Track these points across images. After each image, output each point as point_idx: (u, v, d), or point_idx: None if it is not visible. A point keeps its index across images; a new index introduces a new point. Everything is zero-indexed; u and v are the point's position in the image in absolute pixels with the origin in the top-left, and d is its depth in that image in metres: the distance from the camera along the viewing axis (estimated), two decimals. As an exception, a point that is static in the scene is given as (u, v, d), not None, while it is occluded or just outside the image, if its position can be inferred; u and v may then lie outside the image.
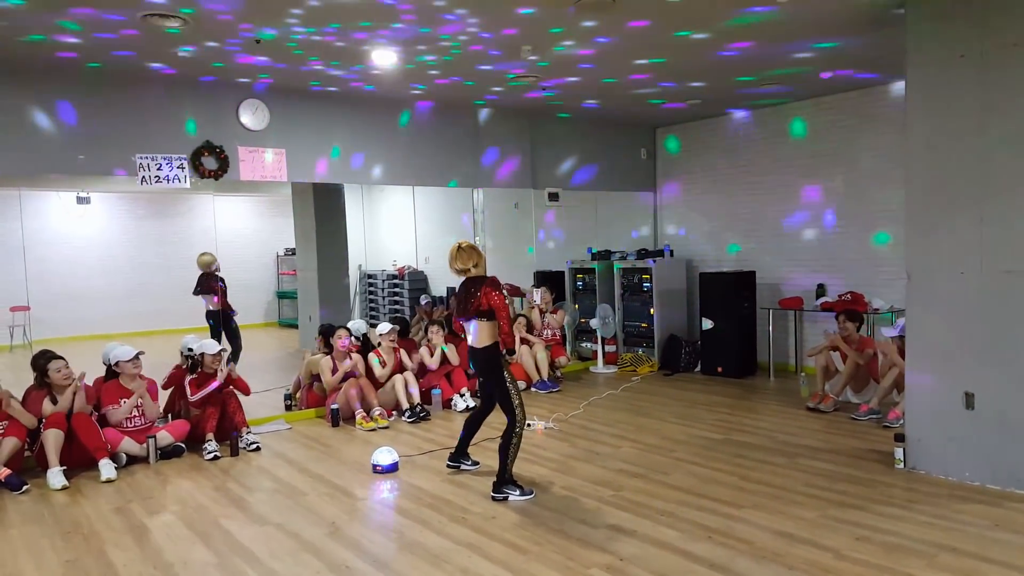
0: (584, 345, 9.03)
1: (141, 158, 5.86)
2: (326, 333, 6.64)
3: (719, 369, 7.87)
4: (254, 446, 5.48)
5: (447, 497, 4.32)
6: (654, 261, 8.38)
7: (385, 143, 7.22)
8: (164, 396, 5.84)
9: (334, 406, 6.18)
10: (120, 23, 4.57)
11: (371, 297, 13.26)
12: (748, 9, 4.69)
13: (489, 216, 8.05)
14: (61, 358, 5.09)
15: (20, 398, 5.04)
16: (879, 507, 3.93)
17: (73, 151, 5.62)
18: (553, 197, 8.54)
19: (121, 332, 11.36)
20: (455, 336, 6.97)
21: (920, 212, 4.48)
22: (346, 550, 3.63)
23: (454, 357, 6.82)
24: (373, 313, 12.97)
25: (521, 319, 7.60)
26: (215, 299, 8.05)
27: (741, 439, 5.39)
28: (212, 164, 6.15)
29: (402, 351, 6.72)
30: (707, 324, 7.95)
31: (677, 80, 6.64)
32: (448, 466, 4.80)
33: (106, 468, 4.83)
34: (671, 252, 8.78)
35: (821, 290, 7.60)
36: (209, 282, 8.13)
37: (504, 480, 4.25)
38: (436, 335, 6.89)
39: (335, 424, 6.14)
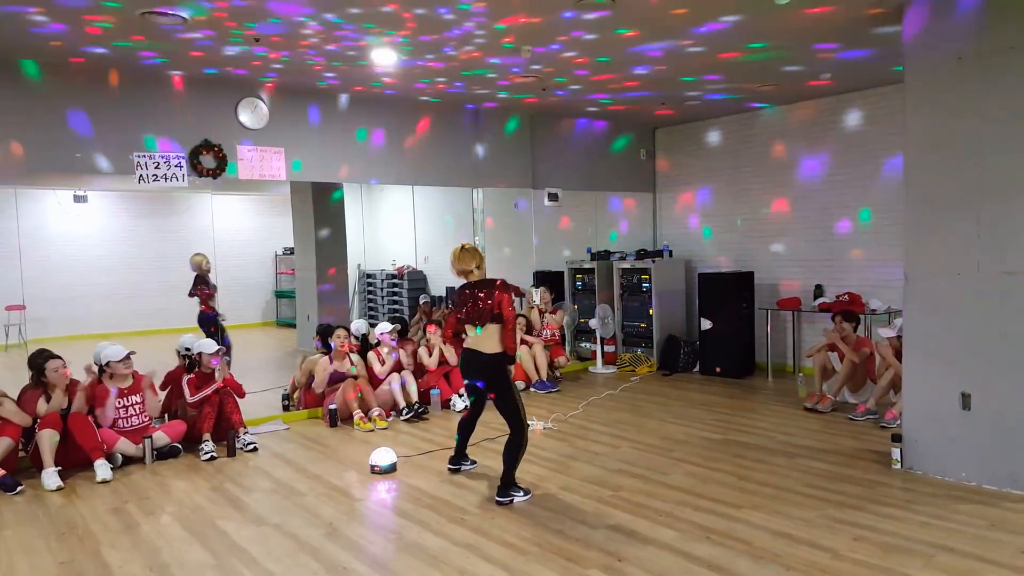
0: (583, 345, 9.03)
1: (139, 156, 5.84)
2: (324, 333, 6.62)
3: (718, 369, 7.87)
4: (251, 446, 5.46)
5: (445, 498, 4.31)
6: (653, 261, 8.38)
7: (385, 142, 7.21)
8: (161, 396, 5.82)
9: (332, 406, 6.16)
10: (119, 19, 4.55)
11: (370, 297, 13.25)
12: (748, 13, 4.70)
13: (488, 216, 8.04)
14: (59, 357, 5.07)
15: (15, 398, 5.02)
16: (877, 507, 3.93)
17: (70, 148, 5.60)
18: (553, 197, 8.54)
19: (118, 332, 11.33)
20: (458, 337, 6.95)
21: (918, 213, 4.48)
22: (344, 551, 3.61)
23: (452, 357, 6.81)
24: (372, 313, 12.95)
25: (520, 319, 7.59)
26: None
27: (739, 439, 5.39)
28: (211, 163, 6.14)
29: (401, 351, 6.71)
30: (706, 324, 7.95)
31: (676, 81, 6.63)
32: (449, 469, 4.76)
33: (102, 469, 4.81)
34: (670, 252, 8.78)
35: (819, 291, 7.60)
36: (196, 284, 8.06)
37: (510, 485, 4.24)
38: (435, 335, 6.88)
39: (333, 424, 6.13)
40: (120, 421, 5.24)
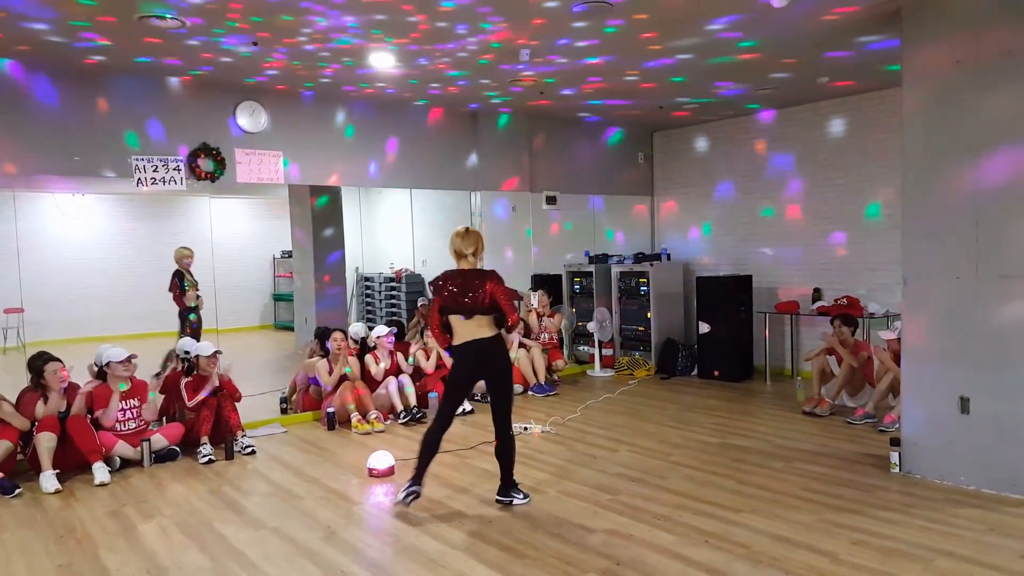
0: (581, 348, 9.02)
1: (137, 160, 5.84)
2: (322, 336, 6.62)
3: (716, 373, 7.87)
4: (249, 449, 5.46)
5: (443, 501, 4.30)
6: (651, 265, 8.39)
7: (383, 146, 7.22)
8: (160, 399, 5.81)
9: (330, 409, 6.16)
10: (117, 22, 4.56)
11: (368, 300, 13.23)
12: (747, 15, 4.72)
13: (487, 219, 8.05)
14: (58, 360, 5.06)
15: (13, 400, 5.01)
16: (875, 511, 3.93)
17: (68, 152, 5.60)
18: (551, 200, 8.55)
19: (116, 334, 11.30)
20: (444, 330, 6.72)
21: (916, 217, 4.49)
22: (342, 554, 3.61)
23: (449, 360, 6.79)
24: (370, 316, 12.94)
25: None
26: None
27: (738, 443, 5.39)
28: (208, 166, 6.14)
29: (399, 354, 6.71)
30: (704, 328, 7.96)
31: (676, 84, 6.65)
32: (407, 493, 4.12)
33: (100, 471, 4.80)
34: (668, 256, 8.79)
35: (817, 294, 7.62)
36: (172, 278, 7.94)
37: (511, 485, 4.23)
38: (432, 339, 6.87)
39: (331, 428, 6.12)
40: (118, 424, 5.23)
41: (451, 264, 4.23)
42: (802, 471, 4.67)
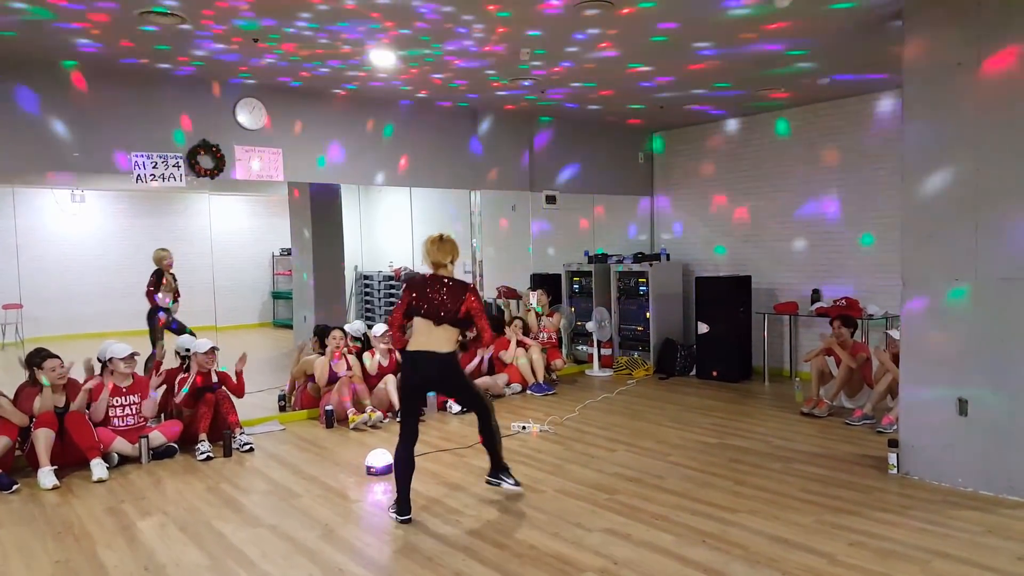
0: (580, 348, 9.03)
1: (136, 156, 5.83)
2: (321, 334, 6.62)
3: (714, 373, 7.88)
4: (247, 447, 5.45)
5: (441, 500, 4.31)
6: (651, 265, 8.39)
7: (383, 144, 7.21)
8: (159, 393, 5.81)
9: (328, 407, 6.16)
10: (117, 20, 4.55)
11: (367, 298, 13.23)
12: (746, 17, 4.71)
13: (486, 218, 8.05)
14: (56, 357, 5.06)
15: (11, 396, 5.01)
16: (873, 512, 3.94)
17: (68, 148, 5.59)
18: (551, 200, 8.55)
19: (114, 331, 11.27)
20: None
21: (916, 219, 4.49)
22: (340, 552, 3.61)
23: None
24: (369, 314, 12.94)
25: (518, 322, 7.59)
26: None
27: (736, 443, 5.39)
28: (208, 163, 6.14)
29: (397, 352, 6.70)
30: (703, 328, 7.96)
31: (675, 84, 6.64)
32: (401, 518, 3.98)
33: (98, 468, 4.80)
34: (667, 256, 8.79)
35: (816, 295, 7.62)
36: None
37: (501, 468, 4.29)
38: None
39: (329, 425, 6.12)
40: (117, 420, 5.23)
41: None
42: (800, 472, 4.67)
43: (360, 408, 6.12)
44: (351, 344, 6.65)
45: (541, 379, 7.41)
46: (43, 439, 4.75)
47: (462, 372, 4.27)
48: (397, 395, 4.24)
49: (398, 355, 6.63)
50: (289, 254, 11.92)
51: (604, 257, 8.93)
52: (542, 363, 7.50)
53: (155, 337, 7.58)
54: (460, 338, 4.17)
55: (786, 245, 8.05)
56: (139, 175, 5.84)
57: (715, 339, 7.87)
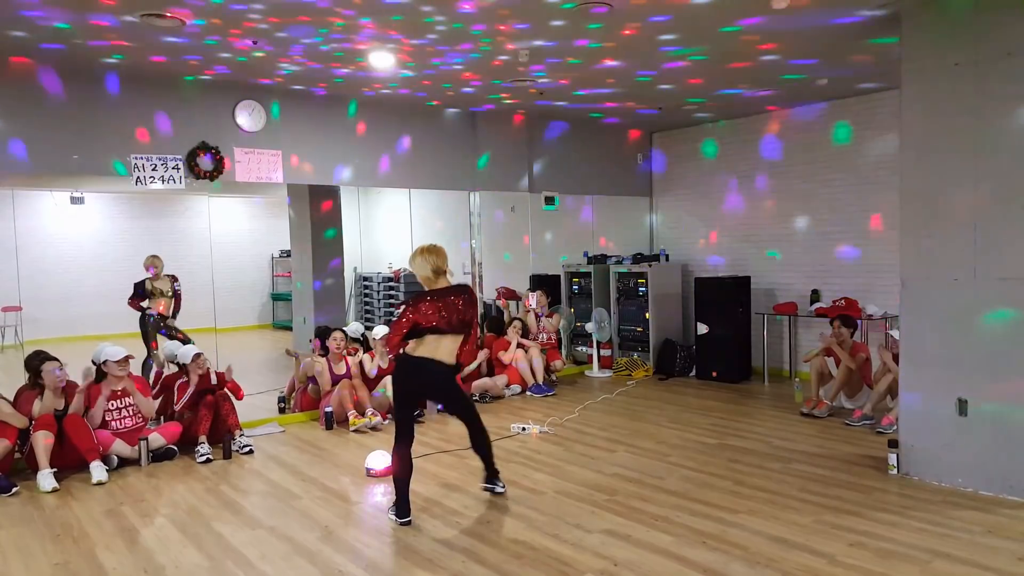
0: (580, 349, 9.03)
1: (136, 158, 5.83)
2: (322, 335, 6.62)
3: (714, 374, 7.88)
4: (247, 449, 5.45)
5: (441, 501, 4.30)
6: (650, 265, 8.39)
7: (382, 146, 7.22)
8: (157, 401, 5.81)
9: (328, 409, 6.15)
10: (118, 21, 4.55)
11: (366, 299, 13.23)
12: (745, 20, 4.72)
13: (485, 219, 8.05)
14: (55, 359, 5.05)
15: (11, 399, 5.00)
16: (873, 513, 3.94)
17: (68, 150, 5.59)
18: (550, 201, 8.55)
19: (114, 333, 11.28)
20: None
21: (914, 219, 4.49)
22: (339, 554, 3.61)
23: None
24: (368, 316, 12.93)
25: (517, 323, 7.59)
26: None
27: (736, 444, 5.39)
28: (207, 165, 6.14)
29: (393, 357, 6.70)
30: (702, 329, 7.96)
31: (674, 88, 6.65)
32: (401, 521, 3.96)
33: (97, 470, 4.80)
34: (667, 257, 8.80)
35: (815, 295, 7.62)
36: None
37: (495, 473, 4.36)
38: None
39: (329, 427, 6.12)
40: (115, 423, 5.22)
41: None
42: (800, 472, 4.67)
43: (360, 410, 6.12)
44: (350, 346, 6.65)
45: (541, 380, 7.41)
46: (42, 441, 4.75)
47: (456, 383, 4.26)
48: (393, 399, 4.19)
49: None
50: (288, 256, 11.92)
51: (603, 258, 8.93)
52: (542, 364, 7.49)
53: (147, 340, 7.58)
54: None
55: (785, 245, 8.05)
56: (139, 177, 5.84)
57: (715, 340, 7.87)
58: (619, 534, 3.74)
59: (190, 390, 5.53)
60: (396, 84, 6.36)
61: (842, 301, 7.18)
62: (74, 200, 11.73)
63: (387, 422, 6.22)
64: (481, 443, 4.30)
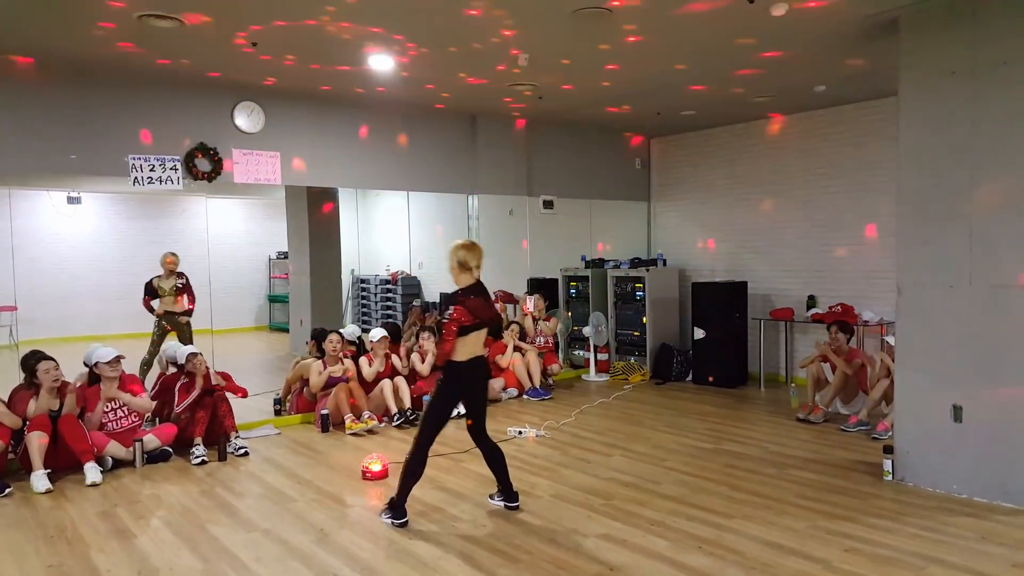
0: (576, 353, 9.02)
1: (134, 159, 5.83)
2: (318, 337, 6.61)
3: (710, 379, 7.88)
4: (242, 451, 5.44)
5: (437, 505, 4.30)
6: (647, 270, 8.40)
7: (381, 148, 7.22)
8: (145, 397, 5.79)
9: (324, 411, 6.14)
10: (116, 22, 4.55)
11: (364, 302, 13.22)
12: (745, 25, 4.74)
13: (484, 222, 8.06)
14: (51, 359, 5.04)
15: (5, 399, 4.99)
16: (868, 519, 3.94)
17: (65, 150, 5.59)
18: (548, 205, 8.56)
19: (110, 334, 11.27)
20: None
21: (911, 226, 4.51)
22: (334, 557, 3.60)
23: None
24: (366, 318, 12.93)
25: (514, 326, 7.59)
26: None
27: (732, 449, 5.40)
28: (206, 166, 6.13)
29: (394, 356, 6.69)
30: (699, 333, 7.97)
31: (673, 92, 6.67)
32: (398, 522, 3.98)
33: (92, 472, 4.78)
34: (664, 261, 8.81)
35: (812, 301, 7.64)
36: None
37: (512, 488, 4.25)
38: (428, 341, 6.86)
39: (325, 430, 6.10)
40: (110, 424, 5.21)
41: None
42: (795, 478, 4.68)
43: (357, 413, 6.11)
44: (346, 348, 6.64)
45: (538, 384, 7.41)
46: (36, 442, 4.73)
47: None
48: (436, 403, 4.12)
49: (393, 359, 6.64)
50: (285, 257, 11.91)
51: (601, 262, 8.94)
52: (539, 368, 7.49)
53: (153, 341, 7.49)
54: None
55: (782, 251, 8.07)
56: (136, 178, 5.83)
57: (711, 344, 7.87)
58: (615, 538, 3.73)
59: (195, 393, 5.51)
60: (395, 87, 6.36)
61: (838, 307, 7.20)
62: (71, 200, 11.72)
63: (383, 425, 6.22)
64: (496, 454, 4.18)
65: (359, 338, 6.94)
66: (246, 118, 6.37)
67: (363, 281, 13.33)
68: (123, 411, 5.28)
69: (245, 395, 5.85)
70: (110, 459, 5.08)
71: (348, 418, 6.03)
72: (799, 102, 7.28)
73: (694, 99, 7.07)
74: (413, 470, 4.00)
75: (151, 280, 7.46)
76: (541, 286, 8.57)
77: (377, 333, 6.59)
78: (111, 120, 5.76)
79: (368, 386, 6.41)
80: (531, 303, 7.98)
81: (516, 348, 7.49)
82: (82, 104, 5.64)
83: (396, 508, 3.99)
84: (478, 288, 4.08)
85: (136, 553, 3.69)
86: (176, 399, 5.53)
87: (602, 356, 8.60)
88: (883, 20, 4.66)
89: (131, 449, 5.15)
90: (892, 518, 3.95)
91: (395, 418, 6.23)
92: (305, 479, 4.86)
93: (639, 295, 8.43)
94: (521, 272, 8.53)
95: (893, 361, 5.51)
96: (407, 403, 6.37)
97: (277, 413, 6.61)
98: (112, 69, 5.61)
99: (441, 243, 10.30)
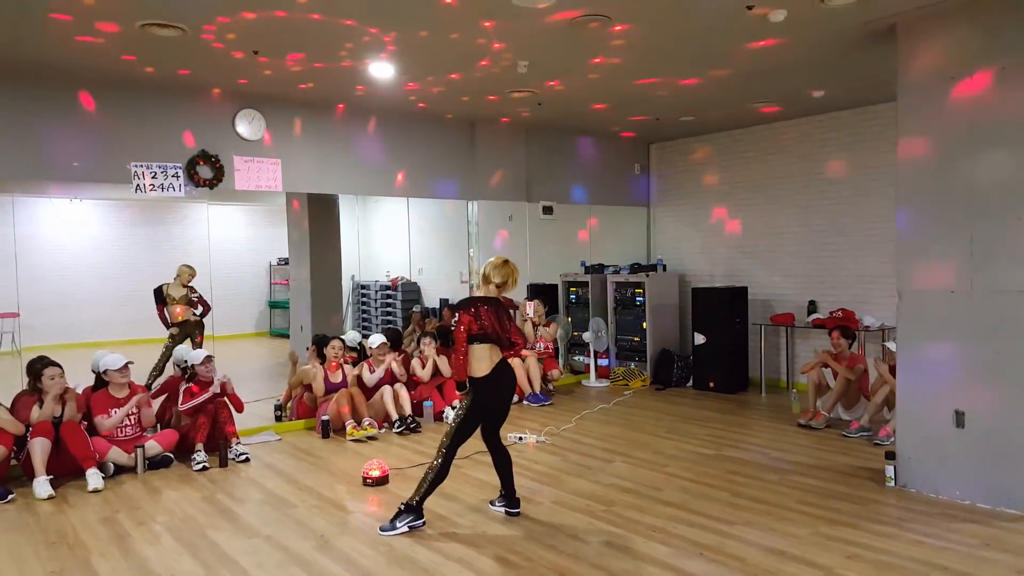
0: (577, 359, 9.02)
1: (136, 166, 5.84)
2: (319, 343, 6.61)
3: (711, 384, 7.88)
4: (243, 457, 5.44)
5: (438, 511, 4.29)
6: (647, 275, 8.41)
7: (381, 154, 7.24)
8: (156, 404, 5.79)
9: (324, 417, 6.14)
10: (118, 30, 4.57)
11: (364, 308, 13.23)
12: (744, 32, 4.76)
13: (483, 228, 8.07)
14: (57, 365, 5.05)
15: (8, 405, 4.99)
16: (870, 525, 3.93)
17: (68, 157, 5.60)
18: (547, 210, 8.58)
19: (112, 340, 11.24)
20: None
21: (911, 232, 4.51)
22: (335, 563, 3.59)
23: (446, 369, 6.79)
24: (365, 324, 12.93)
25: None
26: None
27: (733, 455, 5.39)
28: (207, 173, 6.15)
29: (393, 362, 6.69)
30: (699, 339, 7.97)
31: (673, 97, 6.69)
32: (414, 527, 3.99)
33: (93, 478, 4.78)
34: (664, 267, 8.81)
35: (812, 307, 7.64)
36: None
37: (515, 494, 4.25)
38: (428, 347, 6.87)
39: (325, 435, 6.10)
40: (115, 430, 5.21)
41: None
42: (797, 484, 4.67)
43: (358, 418, 6.11)
44: (347, 354, 6.64)
45: (538, 389, 7.41)
46: (39, 448, 4.73)
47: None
48: (466, 422, 4.06)
49: (394, 365, 6.63)
50: (286, 264, 11.92)
51: (601, 267, 8.95)
52: (539, 373, 7.49)
53: (164, 355, 7.51)
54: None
55: (782, 256, 8.08)
56: (138, 185, 5.85)
57: (712, 350, 7.87)
58: (616, 545, 3.73)
59: (204, 395, 5.51)
60: (395, 94, 6.38)
61: (839, 312, 7.20)
62: (73, 207, 11.74)
63: (383, 431, 6.22)
64: (507, 464, 4.19)
65: (360, 344, 6.94)
66: (247, 125, 6.39)
67: (363, 287, 13.34)
68: (129, 419, 5.29)
69: (241, 410, 5.83)
70: (112, 465, 5.08)
71: (349, 424, 6.03)
72: (798, 107, 7.30)
73: (693, 104, 7.08)
74: (435, 479, 3.99)
75: (160, 287, 7.52)
76: (541, 292, 8.57)
77: (376, 339, 6.59)
78: (113, 128, 5.77)
79: (369, 392, 6.41)
80: (531, 309, 7.99)
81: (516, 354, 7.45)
82: (84, 112, 5.66)
83: (414, 510, 3.98)
84: (488, 300, 4.07)
85: (137, 559, 3.68)
86: (180, 398, 5.52)
87: (602, 362, 8.60)
88: (881, 25, 4.68)
89: (133, 455, 5.15)
90: (894, 524, 3.95)
91: (395, 425, 6.23)
92: (306, 485, 4.86)
93: (639, 300, 8.44)
94: (521, 278, 8.52)
95: (889, 368, 5.54)
96: (407, 409, 6.37)
97: (278, 419, 6.61)
98: (114, 76, 5.63)
99: (444, 250, 10.32)
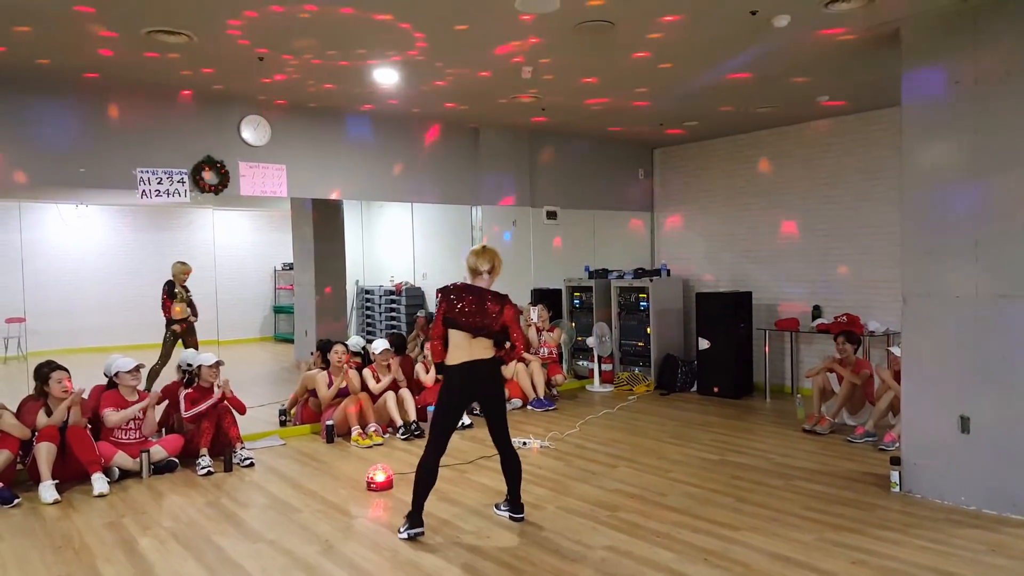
0: (580, 363, 9.02)
1: (141, 172, 5.88)
2: (324, 348, 6.62)
3: (715, 389, 7.87)
4: (248, 462, 5.45)
5: (442, 516, 4.29)
6: (651, 280, 8.41)
7: (385, 160, 7.26)
8: (159, 411, 5.80)
9: (329, 422, 6.15)
10: (124, 37, 4.60)
11: (368, 313, 13.25)
12: (748, 37, 4.77)
13: (487, 233, 8.08)
14: (65, 369, 5.07)
15: (15, 410, 5.01)
16: (875, 531, 3.92)
17: (74, 163, 5.64)
18: (551, 215, 8.59)
19: (117, 345, 11.30)
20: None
21: (916, 236, 4.51)
22: (339, 568, 3.60)
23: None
24: (370, 329, 12.95)
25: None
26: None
27: (737, 460, 5.38)
28: (213, 179, 6.18)
29: (394, 367, 6.68)
30: (704, 344, 7.96)
31: (676, 102, 6.70)
32: (412, 536, 3.95)
33: (99, 482, 4.80)
34: (668, 271, 8.81)
35: (817, 312, 7.63)
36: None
37: (519, 498, 4.20)
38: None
39: (330, 440, 6.11)
40: (120, 433, 5.23)
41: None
42: (802, 489, 4.66)
43: (363, 423, 6.11)
44: (351, 360, 6.65)
45: (541, 394, 7.40)
46: (45, 453, 4.75)
47: (501, 379, 4.23)
48: (437, 409, 4.09)
49: (396, 371, 6.64)
50: (291, 269, 11.96)
51: (605, 272, 8.95)
52: (542, 378, 7.49)
53: (164, 353, 7.57)
54: (499, 351, 4.08)
55: (787, 261, 8.07)
56: (144, 191, 5.88)
57: (716, 355, 7.86)
58: (620, 550, 3.72)
59: (210, 400, 5.52)
60: (399, 99, 6.41)
61: (844, 317, 7.19)
62: (78, 212, 11.81)
63: (388, 436, 6.22)
64: (515, 469, 4.15)
65: (364, 348, 6.95)
66: (252, 131, 6.42)
67: (367, 292, 13.36)
68: (134, 423, 5.31)
69: (243, 412, 5.85)
70: (117, 470, 5.09)
71: (355, 431, 6.03)
72: (801, 112, 7.30)
73: (696, 110, 7.09)
74: (419, 479, 3.98)
75: (171, 281, 7.64)
76: (545, 297, 8.58)
77: (379, 344, 6.59)
78: (119, 134, 5.81)
79: (373, 397, 6.41)
80: (535, 314, 7.99)
81: (519, 359, 7.46)
82: (90, 118, 5.69)
83: (410, 517, 3.97)
84: (471, 288, 4.07)
85: (142, 563, 3.69)
86: (183, 405, 5.54)
87: (606, 367, 8.60)
88: (885, 30, 4.68)
89: (138, 460, 5.16)
90: (900, 530, 3.93)
91: (400, 430, 6.23)
92: (310, 490, 4.87)
93: (643, 305, 8.44)
94: (525, 283, 8.54)
95: (893, 375, 5.53)
96: (412, 415, 6.36)
97: (282, 424, 6.63)
98: (120, 82, 5.66)
99: (448, 256, 10.33)
